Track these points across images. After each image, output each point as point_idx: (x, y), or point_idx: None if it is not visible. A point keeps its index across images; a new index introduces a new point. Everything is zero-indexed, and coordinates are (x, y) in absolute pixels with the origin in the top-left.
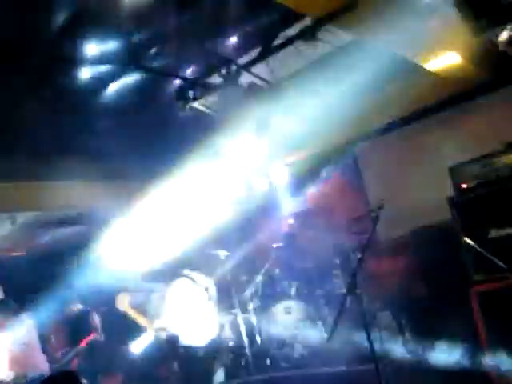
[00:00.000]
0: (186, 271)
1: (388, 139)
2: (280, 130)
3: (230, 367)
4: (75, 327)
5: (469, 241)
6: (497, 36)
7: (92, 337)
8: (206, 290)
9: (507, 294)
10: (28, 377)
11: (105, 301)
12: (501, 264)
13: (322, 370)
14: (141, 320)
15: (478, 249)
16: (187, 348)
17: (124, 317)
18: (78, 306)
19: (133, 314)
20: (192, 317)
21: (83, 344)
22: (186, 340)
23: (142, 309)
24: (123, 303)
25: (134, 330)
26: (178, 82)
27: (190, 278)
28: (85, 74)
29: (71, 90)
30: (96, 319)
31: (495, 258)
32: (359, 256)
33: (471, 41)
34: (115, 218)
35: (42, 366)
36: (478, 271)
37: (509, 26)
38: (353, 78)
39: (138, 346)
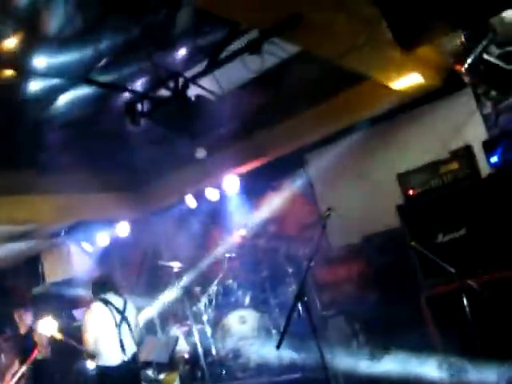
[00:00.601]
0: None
1: (337, 148)
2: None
3: (186, 379)
4: (23, 345)
5: (417, 246)
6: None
7: (35, 354)
8: (119, 310)
9: (455, 298)
10: None
11: None
12: (448, 268)
13: (277, 378)
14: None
15: (426, 254)
16: (103, 369)
17: None
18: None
19: (60, 338)
20: (104, 338)
21: (28, 363)
22: (101, 361)
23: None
24: (48, 328)
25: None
26: (126, 95)
27: (103, 300)
28: (33, 86)
29: (20, 102)
30: (42, 335)
31: (443, 262)
32: (307, 264)
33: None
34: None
35: None
36: (427, 276)
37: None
38: (300, 89)
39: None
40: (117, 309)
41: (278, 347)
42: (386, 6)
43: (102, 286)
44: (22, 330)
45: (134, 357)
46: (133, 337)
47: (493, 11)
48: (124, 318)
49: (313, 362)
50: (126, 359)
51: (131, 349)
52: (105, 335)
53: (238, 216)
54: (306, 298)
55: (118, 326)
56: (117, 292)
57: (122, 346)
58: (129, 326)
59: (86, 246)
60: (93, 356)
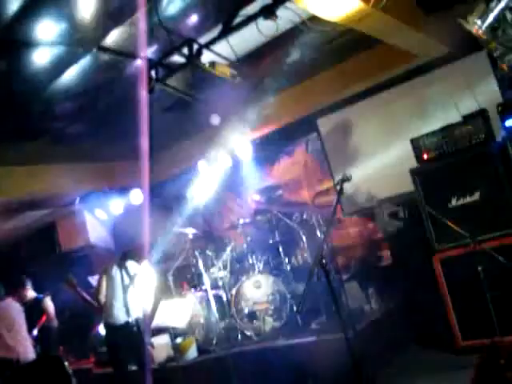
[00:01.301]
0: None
1: (349, 112)
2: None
3: (202, 343)
4: (29, 314)
5: (430, 210)
6: None
7: (43, 320)
8: (130, 274)
9: (468, 261)
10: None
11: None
12: (461, 231)
13: (292, 341)
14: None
15: (440, 218)
16: (109, 326)
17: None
18: (32, 294)
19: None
20: (112, 298)
21: (36, 329)
22: (108, 319)
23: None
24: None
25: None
26: (139, 62)
27: (118, 265)
28: (41, 57)
29: (28, 73)
30: (49, 304)
31: (456, 226)
32: (324, 229)
33: None
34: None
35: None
36: (440, 239)
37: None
38: (311, 54)
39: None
40: (128, 273)
41: (298, 311)
42: None
43: (125, 253)
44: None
45: (138, 320)
46: (140, 301)
47: None
48: (132, 282)
49: (329, 326)
50: (129, 320)
51: (136, 312)
52: (113, 295)
53: (252, 182)
54: (325, 262)
55: (125, 288)
56: (138, 260)
57: (126, 307)
58: (137, 290)
59: (100, 213)
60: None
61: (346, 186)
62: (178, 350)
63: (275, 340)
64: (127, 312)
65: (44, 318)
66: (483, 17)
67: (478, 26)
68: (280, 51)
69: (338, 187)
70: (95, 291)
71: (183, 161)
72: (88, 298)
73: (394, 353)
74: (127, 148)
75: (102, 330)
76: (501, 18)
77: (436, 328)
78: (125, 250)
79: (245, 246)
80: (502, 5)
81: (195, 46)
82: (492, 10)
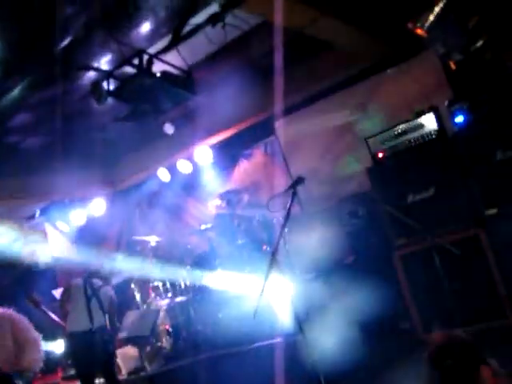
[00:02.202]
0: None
1: (306, 113)
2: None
3: (169, 351)
4: None
5: (388, 207)
6: None
7: None
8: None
9: (427, 255)
10: None
11: None
12: (419, 227)
13: (257, 344)
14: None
15: (397, 214)
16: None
17: None
18: None
19: None
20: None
21: None
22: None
23: None
24: None
25: None
26: (92, 73)
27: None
28: None
29: None
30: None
31: (413, 222)
32: (279, 232)
33: None
34: None
35: None
36: (399, 236)
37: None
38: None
39: None
40: (92, 285)
41: (254, 316)
42: None
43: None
44: None
45: (102, 328)
46: (102, 310)
47: None
48: (95, 294)
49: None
50: (92, 328)
51: (99, 321)
52: (76, 304)
53: (212, 186)
54: (278, 267)
55: (89, 298)
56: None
57: (90, 316)
58: (99, 302)
59: (61, 225)
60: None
61: (307, 186)
62: (146, 359)
63: (240, 345)
64: (91, 320)
65: None
66: (425, 17)
67: (420, 25)
68: (232, 58)
69: (292, 190)
70: (60, 303)
71: (143, 169)
72: (52, 315)
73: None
74: (86, 158)
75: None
76: (442, 18)
77: (398, 322)
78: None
79: (207, 250)
80: (441, 5)
81: (146, 57)
82: (433, 11)
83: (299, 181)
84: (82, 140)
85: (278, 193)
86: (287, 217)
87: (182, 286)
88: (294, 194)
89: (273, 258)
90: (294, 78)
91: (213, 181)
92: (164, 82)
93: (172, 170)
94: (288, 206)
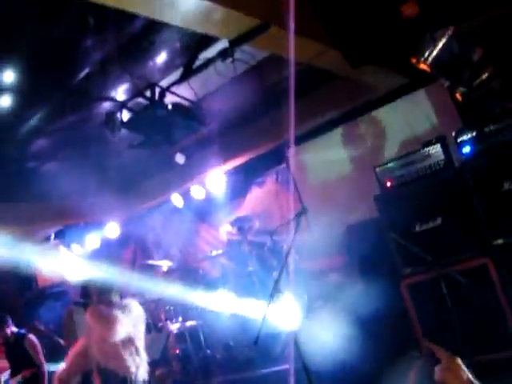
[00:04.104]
0: None
1: (316, 142)
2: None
3: (179, 375)
4: (12, 351)
5: (395, 236)
6: None
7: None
8: None
9: (434, 285)
10: None
11: None
12: (426, 256)
13: (266, 370)
14: None
15: (405, 243)
16: None
17: None
18: (13, 329)
19: None
20: None
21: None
22: None
23: None
24: None
25: None
26: (107, 104)
27: None
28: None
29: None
30: (31, 343)
31: (421, 251)
32: (283, 261)
33: None
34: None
35: None
36: (406, 265)
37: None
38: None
39: None
40: None
41: (255, 343)
42: (335, 37)
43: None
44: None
45: None
46: None
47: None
48: None
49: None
50: None
51: None
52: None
53: (225, 213)
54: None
55: None
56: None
57: None
58: None
59: (75, 248)
60: None
61: (319, 213)
62: (156, 383)
63: (250, 370)
64: None
65: (29, 370)
66: (428, 52)
67: (423, 60)
68: (243, 87)
69: (296, 220)
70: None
71: (157, 194)
72: (58, 338)
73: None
74: (103, 183)
75: None
76: (447, 52)
77: (408, 352)
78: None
79: (219, 276)
80: (443, 40)
81: (158, 89)
82: (436, 46)
83: (302, 212)
84: (99, 165)
85: (284, 222)
86: (291, 246)
87: (193, 310)
88: (298, 225)
89: (275, 287)
90: (304, 107)
91: (225, 207)
92: (175, 114)
93: (185, 195)
94: (292, 236)
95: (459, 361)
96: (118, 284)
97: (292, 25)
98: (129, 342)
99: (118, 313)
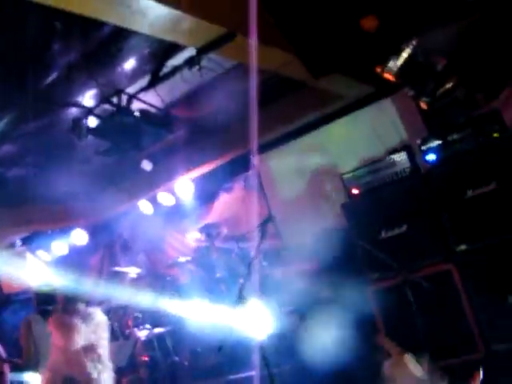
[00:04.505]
0: None
1: (285, 149)
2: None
3: (147, 382)
4: None
5: (362, 243)
6: None
7: None
8: None
9: (400, 290)
10: None
11: None
12: (392, 262)
13: (233, 376)
14: None
15: (371, 249)
16: None
17: None
18: None
19: None
20: None
21: None
22: None
23: None
24: None
25: None
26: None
27: None
28: None
29: None
30: None
31: (387, 257)
32: (248, 268)
33: None
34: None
35: None
36: (373, 270)
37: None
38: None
39: None
40: None
41: (219, 349)
42: (297, 47)
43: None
44: None
45: None
46: None
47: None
48: None
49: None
50: None
51: None
52: None
53: (193, 219)
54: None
55: None
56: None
57: None
58: None
59: (42, 255)
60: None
61: (288, 220)
62: None
63: (218, 376)
64: None
65: None
66: (393, 62)
67: (388, 70)
68: (210, 95)
69: (261, 228)
70: None
71: (125, 200)
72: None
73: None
74: (69, 189)
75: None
76: (411, 62)
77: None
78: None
79: (187, 282)
80: (408, 50)
81: (125, 96)
82: (400, 56)
83: (269, 219)
84: (66, 171)
85: (251, 229)
86: (257, 253)
87: (161, 317)
88: (263, 233)
89: (240, 293)
90: (273, 114)
91: (193, 213)
92: (142, 120)
93: (153, 201)
94: (257, 243)
95: (409, 357)
96: (84, 291)
97: (255, 34)
98: (90, 349)
99: (78, 321)
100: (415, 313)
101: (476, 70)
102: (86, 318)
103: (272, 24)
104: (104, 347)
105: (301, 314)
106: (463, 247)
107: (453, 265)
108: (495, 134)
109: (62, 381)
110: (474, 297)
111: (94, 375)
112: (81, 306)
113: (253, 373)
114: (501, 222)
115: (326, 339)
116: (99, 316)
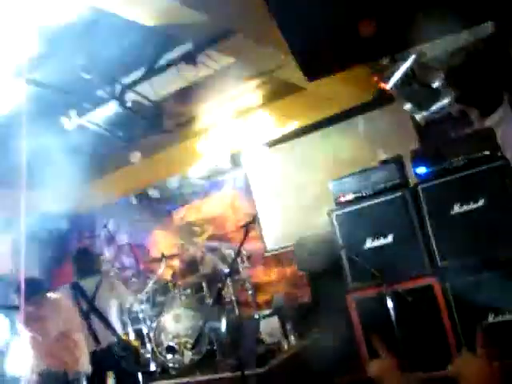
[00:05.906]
0: None
1: (275, 152)
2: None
3: (121, 377)
4: None
5: (346, 250)
6: None
7: None
8: None
9: (380, 301)
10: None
11: None
12: (375, 272)
13: (209, 376)
14: None
15: (354, 258)
16: None
17: None
18: None
19: None
20: None
21: None
22: None
23: None
24: None
25: None
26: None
27: None
28: None
29: None
30: None
31: (370, 266)
32: (228, 272)
33: None
34: None
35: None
36: (354, 279)
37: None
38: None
39: None
40: None
41: (192, 347)
42: (292, 43)
43: None
44: None
45: None
46: None
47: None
48: None
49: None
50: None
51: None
52: None
53: (180, 215)
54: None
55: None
56: None
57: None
58: None
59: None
60: None
61: (272, 224)
62: None
63: (193, 375)
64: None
65: None
66: (391, 74)
67: (384, 80)
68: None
69: (244, 229)
70: None
71: (108, 195)
72: None
73: None
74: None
75: None
76: (409, 75)
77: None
78: None
79: (168, 278)
80: (407, 64)
81: (118, 87)
82: (398, 68)
83: (252, 221)
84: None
85: (234, 230)
86: (236, 256)
87: (139, 312)
88: (246, 233)
89: (216, 296)
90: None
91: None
92: (134, 112)
93: (141, 195)
94: (239, 244)
95: (396, 363)
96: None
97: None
98: (63, 337)
99: (46, 311)
100: (394, 324)
101: (472, 87)
102: (53, 306)
103: (270, 24)
104: (79, 332)
105: (281, 317)
106: (446, 263)
107: (435, 279)
108: (486, 152)
109: (38, 378)
110: (455, 313)
111: (71, 363)
112: (48, 295)
113: (229, 374)
114: (486, 241)
115: (305, 344)
116: (66, 302)
